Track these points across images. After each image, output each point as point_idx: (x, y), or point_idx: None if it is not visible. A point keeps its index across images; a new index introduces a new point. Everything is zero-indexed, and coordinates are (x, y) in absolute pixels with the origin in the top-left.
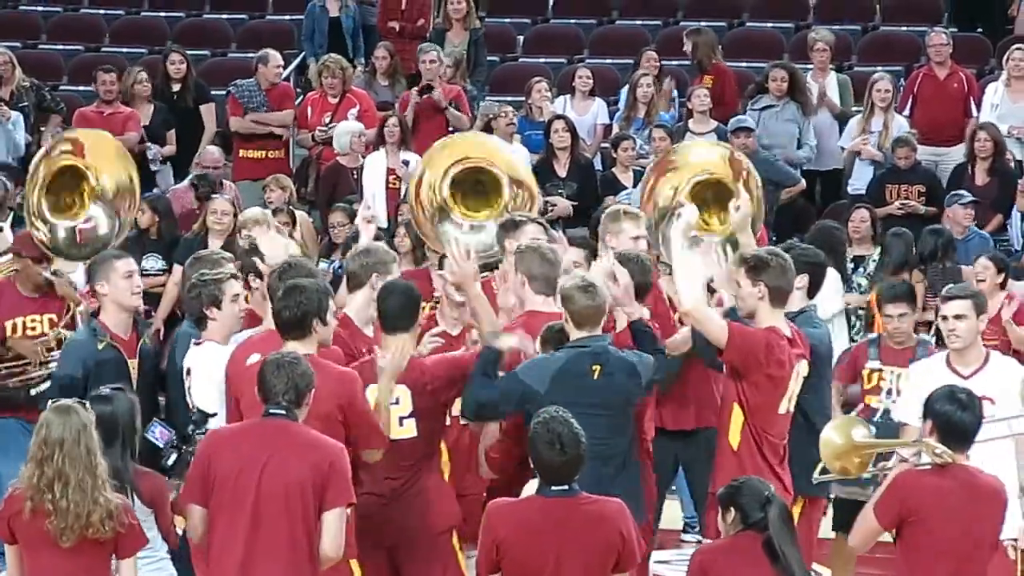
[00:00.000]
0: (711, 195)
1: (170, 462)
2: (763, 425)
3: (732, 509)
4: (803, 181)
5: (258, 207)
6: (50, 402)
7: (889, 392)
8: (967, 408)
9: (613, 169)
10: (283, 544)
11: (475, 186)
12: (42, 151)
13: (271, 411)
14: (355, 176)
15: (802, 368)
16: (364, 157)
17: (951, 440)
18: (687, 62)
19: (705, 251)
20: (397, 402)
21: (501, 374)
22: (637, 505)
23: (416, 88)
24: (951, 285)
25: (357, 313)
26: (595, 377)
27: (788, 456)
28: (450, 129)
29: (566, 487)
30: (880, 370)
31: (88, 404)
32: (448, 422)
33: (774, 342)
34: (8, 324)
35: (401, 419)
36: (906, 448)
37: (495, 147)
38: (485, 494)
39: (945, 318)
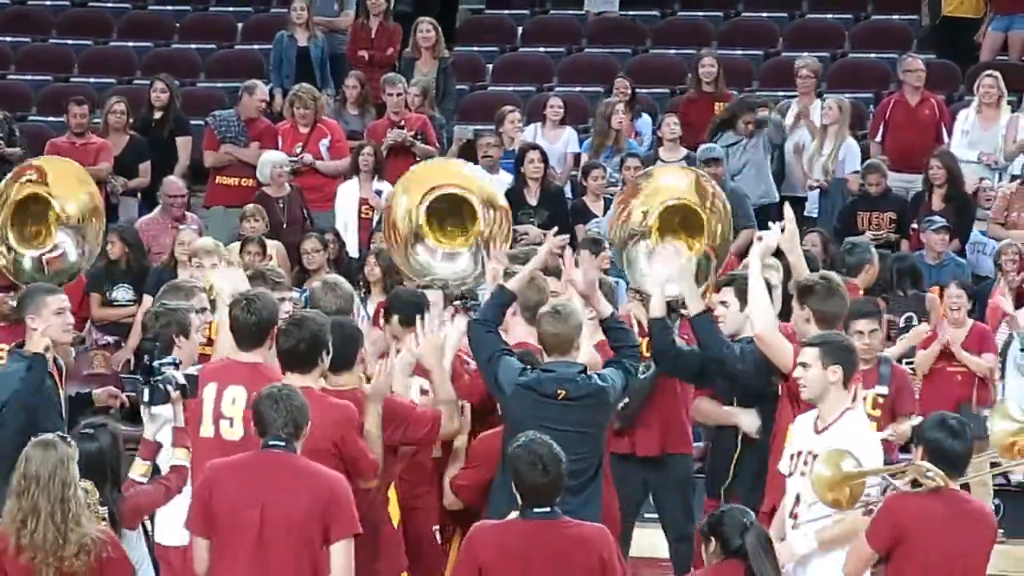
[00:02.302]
0: (679, 220)
1: (147, 398)
2: None
3: (713, 539)
4: (756, 228)
5: (210, 238)
6: (32, 438)
7: None
8: (958, 435)
9: (583, 197)
10: None
11: (450, 213)
12: (4, 180)
13: (270, 443)
14: (281, 205)
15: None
16: (291, 186)
17: (941, 467)
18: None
19: (670, 255)
20: None
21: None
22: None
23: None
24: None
25: None
26: (559, 399)
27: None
28: (418, 159)
29: (548, 509)
30: None
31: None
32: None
33: None
34: None
35: None
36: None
37: (468, 173)
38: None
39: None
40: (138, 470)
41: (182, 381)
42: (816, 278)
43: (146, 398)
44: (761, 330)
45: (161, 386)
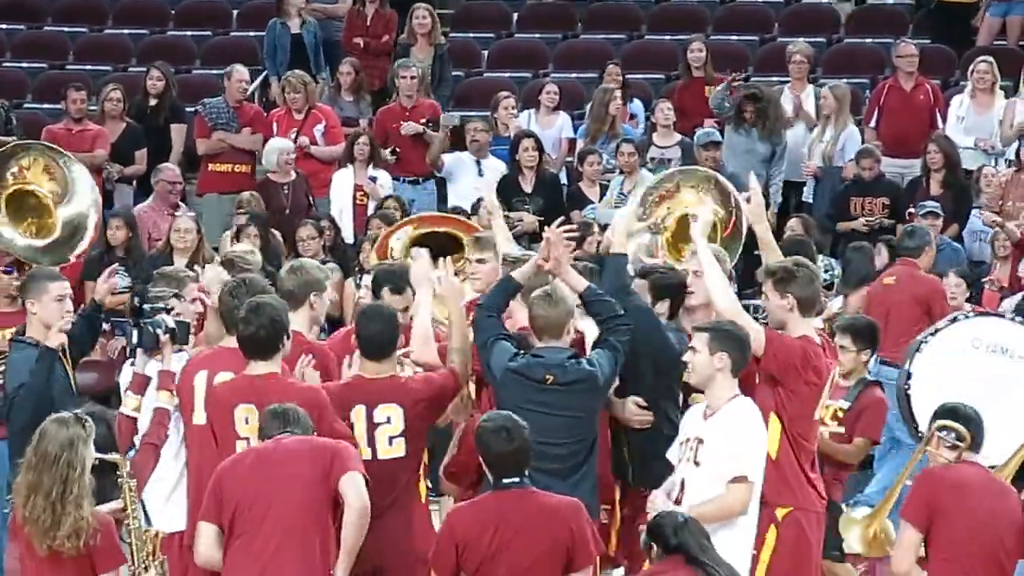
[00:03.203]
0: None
1: (135, 340)
2: (801, 432)
3: (654, 545)
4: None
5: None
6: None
7: None
8: (961, 416)
9: (579, 183)
10: (299, 558)
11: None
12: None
13: (278, 434)
14: (285, 191)
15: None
16: (297, 172)
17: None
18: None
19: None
20: (388, 421)
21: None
22: (592, 506)
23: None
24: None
25: (302, 328)
26: (548, 384)
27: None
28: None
29: (517, 479)
30: None
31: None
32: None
33: (810, 350)
34: None
35: (391, 439)
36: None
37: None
38: None
39: None
40: (130, 404)
41: (172, 325)
42: (792, 265)
43: (135, 340)
44: (723, 308)
45: (151, 329)
